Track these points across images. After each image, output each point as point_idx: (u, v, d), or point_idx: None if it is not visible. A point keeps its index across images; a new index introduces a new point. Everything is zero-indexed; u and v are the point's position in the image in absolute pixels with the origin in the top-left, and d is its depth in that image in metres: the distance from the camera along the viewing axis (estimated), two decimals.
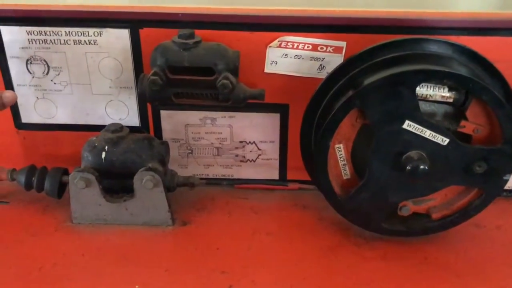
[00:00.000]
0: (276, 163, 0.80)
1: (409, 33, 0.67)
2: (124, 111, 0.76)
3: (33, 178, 0.73)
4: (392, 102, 0.59)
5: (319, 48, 0.69)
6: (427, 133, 0.61)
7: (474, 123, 0.61)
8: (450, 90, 0.60)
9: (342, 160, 0.65)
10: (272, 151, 0.79)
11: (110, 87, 0.74)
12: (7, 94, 0.59)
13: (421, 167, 0.61)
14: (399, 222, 0.68)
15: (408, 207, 0.67)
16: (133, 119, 0.77)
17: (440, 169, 0.62)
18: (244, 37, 0.69)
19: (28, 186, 0.73)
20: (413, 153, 0.62)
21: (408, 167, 0.61)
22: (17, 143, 0.80)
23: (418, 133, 0.61)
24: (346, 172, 0.66)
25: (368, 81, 0.59)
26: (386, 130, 0.61)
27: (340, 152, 0.65)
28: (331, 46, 0.69)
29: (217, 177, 0.82)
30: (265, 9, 0.71)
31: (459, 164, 0.62)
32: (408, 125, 0.60)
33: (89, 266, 0.65)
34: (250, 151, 0.79)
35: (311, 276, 0.64)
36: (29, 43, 0.71)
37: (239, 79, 0.69)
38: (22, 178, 0.73)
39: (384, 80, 0.58)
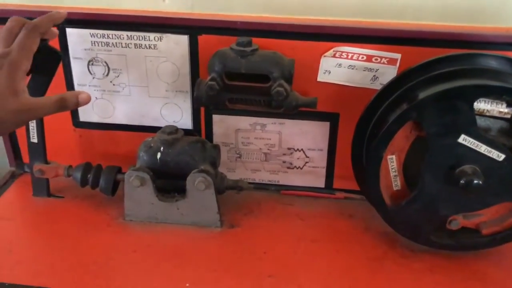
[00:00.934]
0: (323, 171, 0.81)
1: (464, 47, 0.67)
2: (178, 114, 0.78)
3: (89, 175, 0.76)
4: (449, 116, 0.59)
5: (373, 59, 0.70)
6: (483, 148, 0.60)
7: None
8: (508, 106, 0.60)
9: (393, 171, 0.66)
10: (320, 159, 0.80)
11: (166, 90, 0.77)
12: (83, 95, 0.62)
13: (475, 181, 0.61)
14: (448, 235, 0.68)
15: (458, 221, 0.67)
16: (186, 122, 0.79)
17: (494, 185, 0.62)
18: (299, 46, 0.71)
19: (83, 182, 0.76)
20: (467, 167, 0.62)
21: (461, 181, 0.61)
22: (73, 140, 0.83)
23: (474, 147, 0.61)
24: (396, 183, 0.67)
25: (425, 94, 0.59)
26: (441, 143, 0.61)
27: (392, 163, 0.65)
28: (385, 58, 0.70)
29: (263, 182, 0.83)
30: (321, 19, 0.72)
31: None
32: (464, 139, 0.60)
33: (141, 262, 0.68)
34: (298, 158, 0.80)
35: (357, 285, 0.65)
36: (92, 45, 0.74)
37: (292, 87, 0.70)
38: (78, 175, 0.76)
39: (443, 94, 0.58)
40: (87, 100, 0.61)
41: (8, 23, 0.62)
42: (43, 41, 0.66)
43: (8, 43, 0.60)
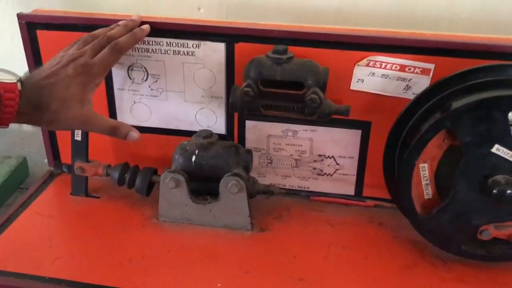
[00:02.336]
0: (353, 179, 0.82)
1: (498, 58, 0.67)
2: (213, 119, 0.81)
3: (126, 175, 0.78)
4: (483, 126, 0.60)
5: (406, 69, 0.71)
6: None
7: None
8: None
9: (425, 180, 0.67)
10: (350, 166, 0.81)
11: (202, 96, 0.79)
12: (134, 134, 0.67)
13: (508, 191, 0.61)
14: (479, 245, 0.68)
15: (489, 231, 0.67)
16: (220, 127, 0.81)
17: None
18: (334, 55, 0.72)
19: (120, 182, 0.79)
20: (500, 177, 0.62)
21: (494, 191, 0.62)
22: (110, 142, 0.86)
23: (507, 157, 0.61)
24: (428, 191, 0.67)
25: (460, 103, 0.60)
26: (474, 152, 0.61)
27: (424, 171, 0.66)
28: (419, 68, 0.71)
29: (293, 188, 0.84)
30: (355, 29, 0.74)
31: None
32: (497, 149, 0.61)
33: (174, 261, 0.69)
34: (328, 165, 0.81)
35: None
36: (132, 51, 0.77)
37: (326, 95, 0.72)
38: (115, 174, 0.78)
39: (477, 103, 0.59)
40: (135, 139, 0.66)
41: (96, 31, 0.69)
42: None
43: (83, 46, 0.65)
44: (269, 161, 0.83)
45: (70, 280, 0.66)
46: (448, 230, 0.67)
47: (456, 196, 0.64)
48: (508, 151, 0.61)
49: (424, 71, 0.71)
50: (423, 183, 0.67)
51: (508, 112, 0.59)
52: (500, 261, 0.69)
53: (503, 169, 0.62)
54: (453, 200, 0.65)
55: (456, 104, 0.61)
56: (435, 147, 0.64)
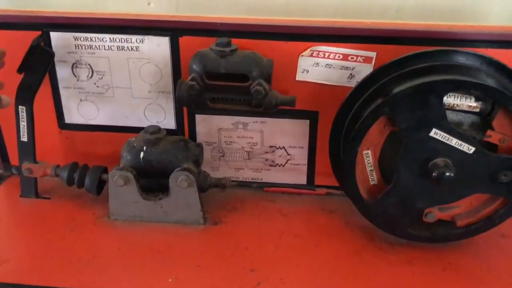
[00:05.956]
0: (304, 168, 0.82)
1: (439, 45, 0.69)
2: (162, 115, 0.80)
3: (75, 175, 0.77)
4: (420, 110, 0.61)
5: (349, 58, 0.72)
6: (454, 141, 0.63)
7: (500, 133, 0.63)
8: (477, 100, 0.62)
9: (369, 166, 0.68)
10: (301, 156, 0.81)
11: (149, 92, 0.78)
12: (7, 99, 0.67)
13: (447, 174, 0.63)
14: (425, 228, 0.70)
15: (434, 213, 0.69)
16: (170, 122, 0.80)
17: (466, 177, 0.64)
18: (278, 46, 0.73)
19: (69, 181, 0.77)
20: (439, 160, 0.64)
21: (434, 174, 0.63)
22: (59, 142, 0.85)
23: (445, 141, 0.63)
24: (373, 177, 0.69)
25: (397, 89, 0.61)
26: (413, 137, 0.63)
27: (368, 158, 0.67)
28: (361, 56, 0.72)
29: (247, 180, 0.85)
30: (298, 19, 0.74)
31: (485, 173, 0.64)
32: (435, 133, 0.62)
33: (125, 259, 0.69)
34: (280, 156, 0.82)
35: (337, 277, 0.67)
36: (76, 48, 0.76)
37: (272, 86, 0.72)
38: (64, 174, 0.77)
39: (413, 89, 0.60)
40: (8, 102, 0.68)
41: None
42: (36, 40, 0.69)
43: None
44: (221, 154, 0.83)
45: (17, 283, 0.64)
46: (394, 214, 0.68)
47: (399, 180, 0.66)
48: (445, 134, 0.62)
49: (367, 60, 0.72)
50: (367, 169, 0.68)
51: (443, 96, 0.61)
52: (445, 242, 0.71)
53: (442, 152, 0.63)
54: (397, 184, 0.66)
55: (395, 91, 0.62)
56: (377, 133, 0.65)
